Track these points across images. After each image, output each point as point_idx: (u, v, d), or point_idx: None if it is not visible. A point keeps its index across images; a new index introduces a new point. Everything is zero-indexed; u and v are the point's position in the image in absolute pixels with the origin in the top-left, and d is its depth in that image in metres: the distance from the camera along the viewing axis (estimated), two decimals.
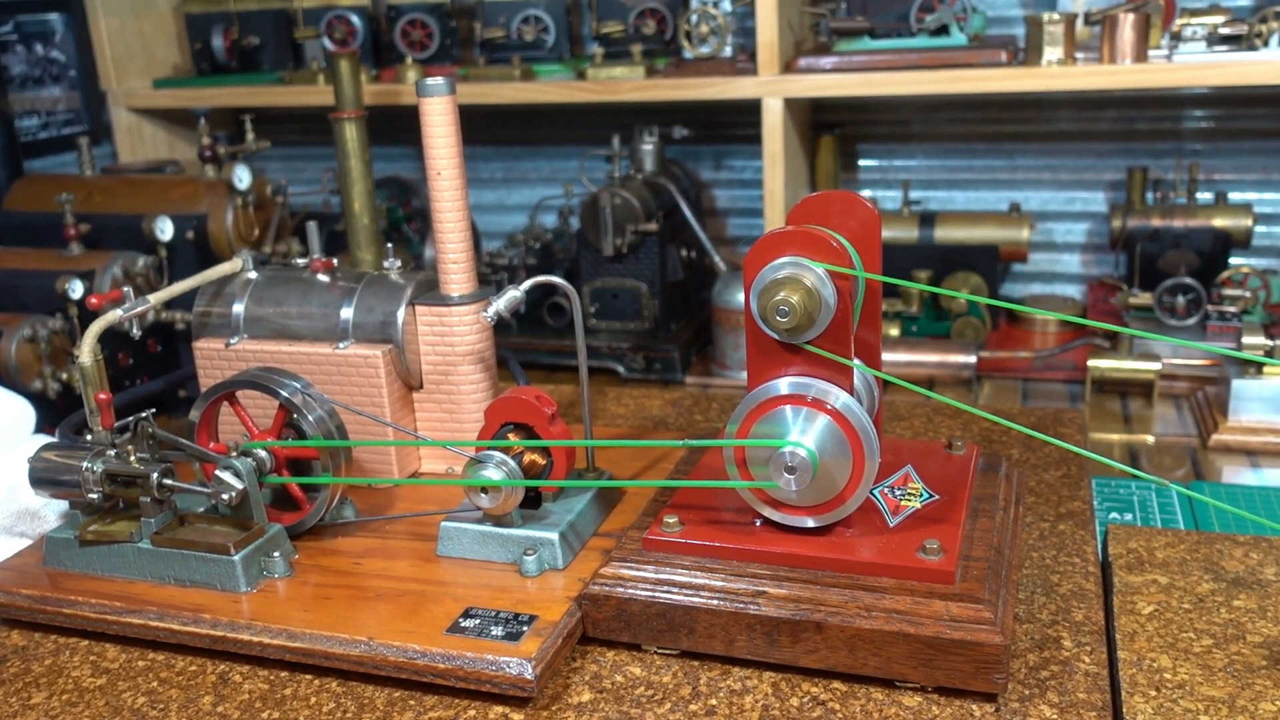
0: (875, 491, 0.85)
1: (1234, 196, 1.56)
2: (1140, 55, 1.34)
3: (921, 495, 0.85)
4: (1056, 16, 1.36)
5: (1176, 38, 1.33)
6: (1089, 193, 1.65)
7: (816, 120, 1.69)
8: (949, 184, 1.71)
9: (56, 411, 1.22)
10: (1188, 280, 1.39)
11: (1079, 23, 1.38)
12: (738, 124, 1.76)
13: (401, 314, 1.02)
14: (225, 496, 0.88)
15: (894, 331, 1.51)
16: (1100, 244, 1.66)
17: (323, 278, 1.06)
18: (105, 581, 0.90)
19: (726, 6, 1.51)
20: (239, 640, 0.82)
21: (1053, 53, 1.37)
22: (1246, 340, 1.22)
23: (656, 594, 0.80)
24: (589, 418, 0.97)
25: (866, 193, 1.73)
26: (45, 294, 1.26)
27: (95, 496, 0.89)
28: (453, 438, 1.04)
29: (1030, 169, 1.67)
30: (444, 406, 1.04)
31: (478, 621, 0.80)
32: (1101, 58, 1.36)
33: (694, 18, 1.51)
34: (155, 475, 0.87)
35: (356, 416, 1.00)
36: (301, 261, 1.08)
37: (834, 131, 1.67)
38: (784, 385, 0.79)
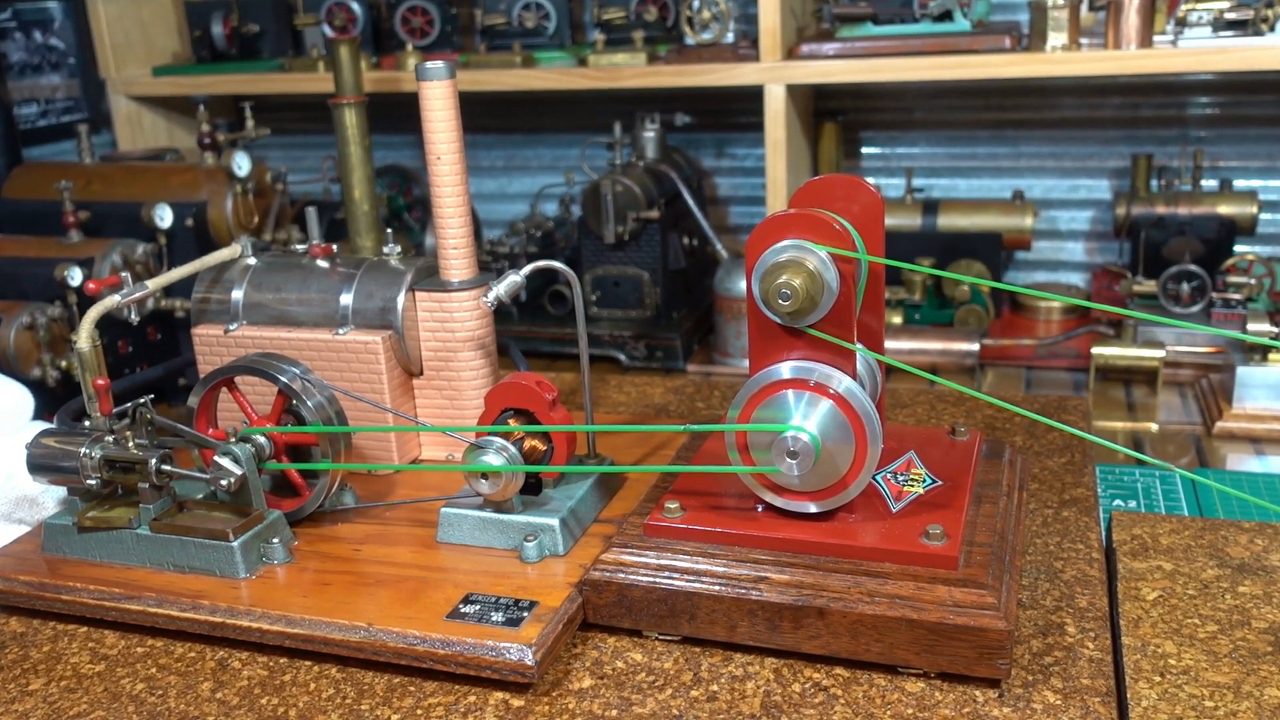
0: (878, 477, 0.85)
1: (1239, 183, 1.55)
2: (1145, 41, 1.33)
3: (924, 481, 0.85)
4: (1061, 2, 1.35)
5: (1182, 23, 1.32)
6: (1093, 180, 1.65)
7: (819, 107, 1.69)
8: (952, 171, 1.70)
9: (56, 399, 1.21)
10: (1192, 268, 1.39)
11: (1084, 8, 1.38)
12: (740, 111, 1.75)
13: (401, 300, 1.01)
14: (224, 482, 0.88)
15: (897, 319, 1.50)
16: (1104, 231, 1.65)
17: (322, 263, 1.05)
18: (104, 568, 0.89)
19: None
20: (238, 626, 0.81)
21: (1057, 38, 1.36)
22: (1252, 327, 1.21)
23: (658, 580, 0.79)
24: (590, 404, 0.96)
25: (870, 180, 1.72)
26: (44, 281, 1.25)
27: (93, 483, 0.88)
28: (453, 424, 1.04)
29: (1034, 156, 1.67)
30: (444, 393, 1.04)
31: (478, 607, 0.80)
32: (1106, 43, 1.35)
33: (696, 3, 1.50)
34: (154, 461, 0.87)
35: (356, 402, 0.99)
36: (301, 248, 1.08)
37: (837, 118, 1.66)
38: (786, 369, 0.78)
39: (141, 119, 1.81)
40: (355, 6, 1.72)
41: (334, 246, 1.08)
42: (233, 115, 1.93)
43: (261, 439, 0.90)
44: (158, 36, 1.85)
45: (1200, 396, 1.28)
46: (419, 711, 0.75)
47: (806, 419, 0.77)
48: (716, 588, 0.78)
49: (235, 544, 0.86)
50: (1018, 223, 1.55)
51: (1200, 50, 1.30)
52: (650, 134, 1.58)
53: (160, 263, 1.34)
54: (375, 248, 1.36)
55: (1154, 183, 1.55)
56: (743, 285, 1.42)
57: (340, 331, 1.01)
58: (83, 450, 0.88)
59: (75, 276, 1.23)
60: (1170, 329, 1.36)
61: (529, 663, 0.75)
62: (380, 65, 1.67)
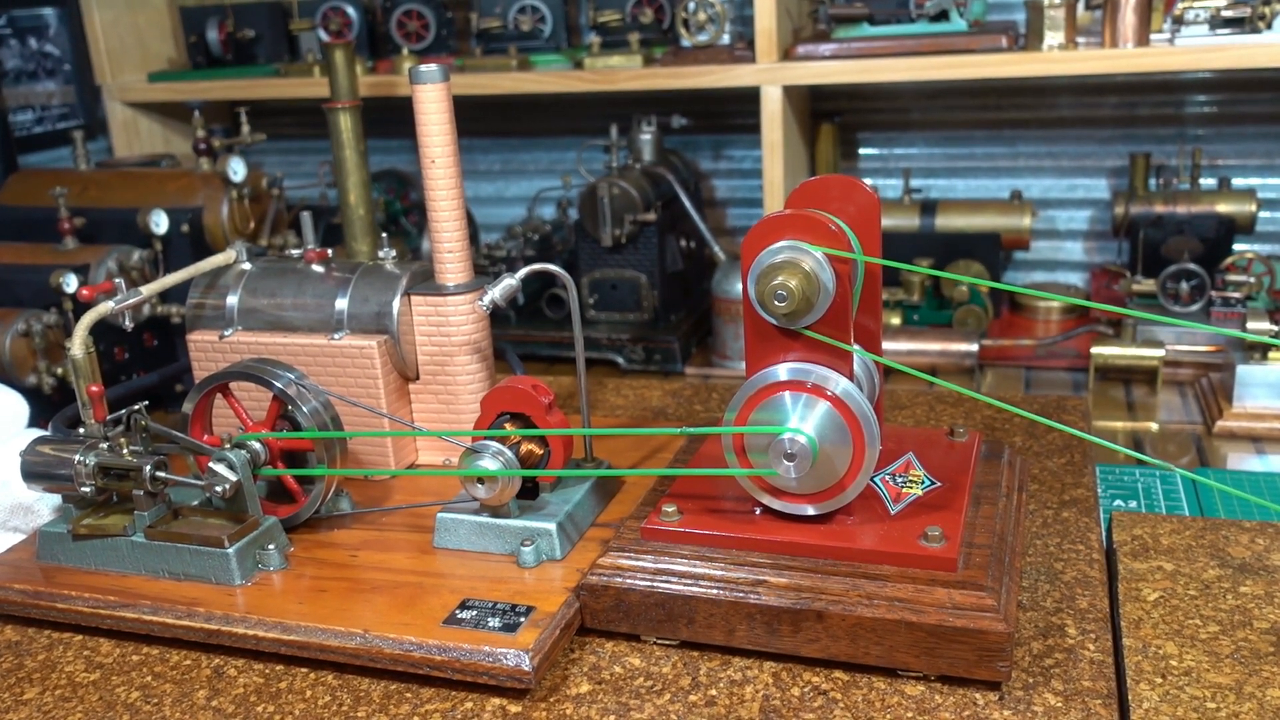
0: (876, 479, 0.84)
1: (1237, 182, 1.55)
2: (1142, 39, 1.33)
3: (923, 483, 0.84)
4: (1057, 1, 1.34)
5: (1179, 21, 1.32)
6: (1091, 179, 1.64)
7: (816, 109, 1.68)
8: (950, 172, 1.70)
9: (52, 406, 1.21)
10: (1191, 266, 1.38)
11: (1080, 7, 1.37)
12: (737, 113, 1.75)
13: (397, 304, 1.01)
14: (219, 489, 0.87)
15: (895, 320, 1.50)
16: (1103, 231, 1.65)
17: (317, 268, 1.05)
18: (99, 575, 0.89)
19: None
20: (234, 634, 0.81)
21: (1054, 37, 1.36)
22: (1251, 325, 1.21)
23: (655, 584, 0.79)
24: (587, 408, 0.96)
25: (867, 181, 1.72)
26: (40, 288, 1.25)
27: (88, 490, 0.88)
28: (449, 428, 1.03)
29: (1032, 156, 1.66)
30: (440, 397, 1.03)
31: (475, 613, 0.79)
32: (1103, 42, 1.35)
33: (691, 5, 1.50)
34: (148, 468, 0.86)
35: (352, 408, 0.99)
36: (296, 253, 1.07)
37: (834, 120, 1.66)
38: (783, 371, 0.78)
39: (137, 125, 1.81)
40: (350, 11, 1.72)
41: (329, 251, 1.07)
42: (228, 121, 1.93)
43: (257, 445, 0.90)
44: (153, 42, 1.85)
45: (1200, 395, 1.28)
46: (416, 718, 0.74)
47: (804, 421, 0.77)
48: (714, 591, 0.77)
49: (230, 551, 0.85)
50: (1016, 223, 1.55)
51: (1197, 48, 1.30)
52: (647, 136, 1.58)
53: (156, 269, 1.34)
54: (371, 252, 1.35)
55: (1152, 181, 1.55)
56: (740, 287, 1.42)
57: (336, 336, 1.01)
58: (77, 457, 0.88)
59: (71, 283, 1.23)
60: (1170, 328, 1.36)
61: (526, 668, 0.74)
62: (376, 70, 1.66)
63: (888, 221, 1.55)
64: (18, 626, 0.89)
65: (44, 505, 1.01)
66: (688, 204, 1.56)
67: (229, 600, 0.84)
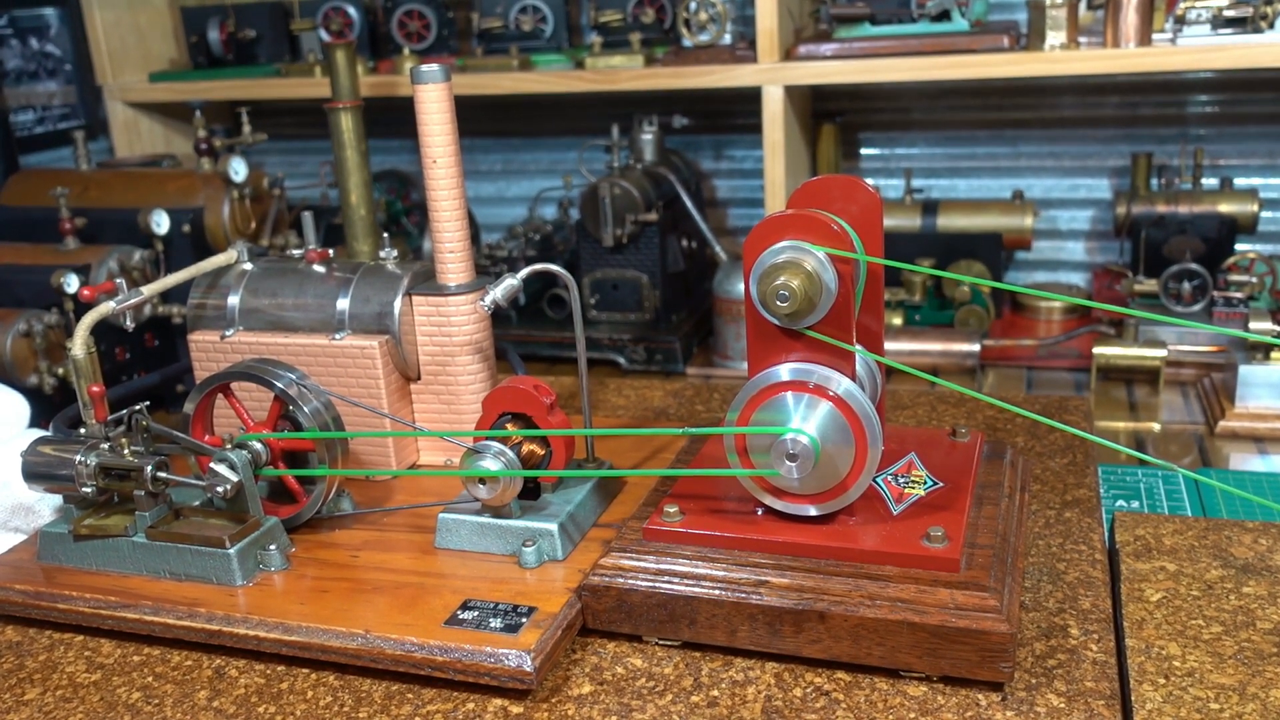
0: (879, 479, 0.84)
1: (1239, 182, 1.55)
2: (1144, 39, 1.33)
3: (925, 483, 0.84)
4: (1059, 0, 1.34)
5: (1180, 21, 1.32)
6: (1093, 179, 1.64)
7: (817, 108, 1.68)
8: (951, 172, 1.70)
9: (53, 407, 1.21)
10: (1193, 266, 1.38)
11: (1082, 7, 1.37)
12: (738, 113, 1.75)
13: (398, 304, 1.01)
14: (220, 489, 0.87)
15: (897, 321, 1.50)
16: (1105, 231, 1.64)
17: (318, 268, 1.05)
18: (100, 576, 0.89)
19: None
20: (235, 634, 0.81)
21: (1055, 37, 1.36)
22: (1254, 325, 1.21)
23: (657, 584, 0.79)
24: (588, 408, 0.95)
25: (869, 181, 1.71)
26: (41, 289, 1.25)
27: (89, 490, 0.88)
28: (451, 429, 1.03)
29: (1033, 156, 1.66)
30: (442, 398, 1.03)
31: (476, 614, 0.79)
32: (1105, 42, 1.34)
33: (693, 5, 1.50)
34: (149, 468, 0.86)
35: (353, 408, 0.99)
36: (297, 253, 1.07)
37: (835, 120, 1.65)
38: (785, 372, 0.78)
39: (138, 125, 1.81)
40: (351, 11, 1.71)
41: (330, 251, 1.07)
42: (230, 121, 1.93)
43: (258, 445, 0.90)
44: (154, 42, 1.85)
45: (1202, 396, 1.27)
46: (417, 719, 0.74)
47: (806, 421, 0.77)
48: (716, 592, 0.77)
49: (232, 551, 0.85)
50: (1018, 223, 1.55)
51: (1199, 48, 1.30)
52: (648, 136, 1.58)
53: (157, 269, 1.34)
54: (372, 252, 1.35)
55: (1154, 181, 1.55)
56: (742, 287, 1.42)
57: (337, 336, 1.01)
58: (78, 458, 0.88)
59: (72, 283, 1.22)
60: (1172, 328, 1.36)
61: (528, 669, 0.74)
62: (377, 70, 1.66)
63: (889, 221, 1.55)
64: (19, 627, 0.88)
65: (45, 506, 1.01)
66: (689, 204, 1.56)
67: (230, 601, 0.84)
